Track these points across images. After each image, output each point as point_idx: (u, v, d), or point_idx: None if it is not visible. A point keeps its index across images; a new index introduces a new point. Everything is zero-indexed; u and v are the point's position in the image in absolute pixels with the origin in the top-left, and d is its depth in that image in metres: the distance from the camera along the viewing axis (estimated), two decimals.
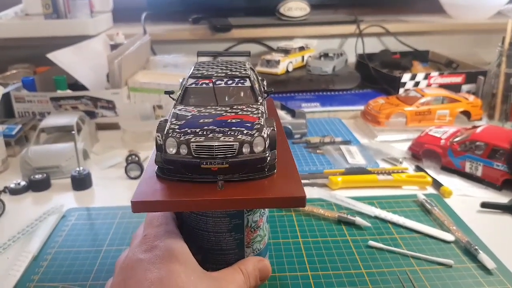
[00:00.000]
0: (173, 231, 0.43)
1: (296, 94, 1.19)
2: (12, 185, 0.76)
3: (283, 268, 0.55)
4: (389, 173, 0.76)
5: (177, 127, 0.40)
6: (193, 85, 0.46)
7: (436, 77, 1.12)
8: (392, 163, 0.83)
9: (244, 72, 0.46)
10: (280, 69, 1.20)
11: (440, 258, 0.56)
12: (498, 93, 0.99)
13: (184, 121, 0.41)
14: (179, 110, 0.44)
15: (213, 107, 0.43)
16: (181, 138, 0.39)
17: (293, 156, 0.43)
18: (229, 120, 0.40)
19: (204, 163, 0.38)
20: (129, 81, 1.04)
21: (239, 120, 0.40)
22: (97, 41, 1.22)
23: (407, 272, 0.54)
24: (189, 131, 0.39)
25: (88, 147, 0.88)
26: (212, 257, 0.44)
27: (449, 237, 0.60)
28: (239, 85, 0.44)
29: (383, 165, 0.83)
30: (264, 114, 0.42)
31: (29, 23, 1.28)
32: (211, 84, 0.45)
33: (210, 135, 0.38)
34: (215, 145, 0.37)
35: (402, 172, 0.77)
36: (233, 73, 0.46)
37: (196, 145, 0.38)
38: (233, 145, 0.37)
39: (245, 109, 0.42)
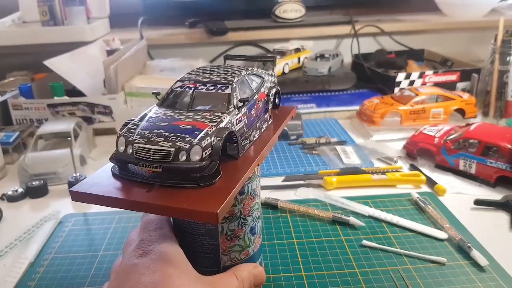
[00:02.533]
0: (168, 235, 0.44)
1: (292, 96, 1.19)
2: (10, 192, 0.76)
3: (277, 269, 0.56)
4: (383, 173, 0.76)
5: (134, 127, 0.41)
6: (178, 88, 0.46)
7: (431, 76, 1.13)
8: (386, 162, 0.83)
9: (230, 79, 0.45)
10: (276, 71, 1.20)
11: (434, 256, 0.56)
12: (492, 91, 0.99)
13: (144, 122, 0.42)
14: (150, 111, 0.45)
15: (183, 111, 0.43)
16: (130, 138, 0.40)
17: (248, 172, 0.41)
18: (181, 126, 0.40)
19: (141, 165, 0.38)
20: (125, 86, 1.04)
21: (190, 127, 0.39)
22: (94, 47, 1.23)
23: (400, 271, 0.54)
24: (139, 132, 0.40)
25: (85, 153, 0.89)
26: (193, 258, 0.45)
27: (442, 235, 0.61)
28: (219, 91, 0.44)
29: (378, 164, 0.83)
30: (221, 123, 0.40)
31: (27, 31, 1.29)
32: (193, 89, 0.46)
33: (152, 138, 0.39)
34: (152, 149, 0.38)
35: (397, 171, 0.77)
36: (218, 79, 0.46)
37: (138, 146, 0.39)
38: (169, 150, 0.37)
39: (208, 116, 0.41)
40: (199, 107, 0.44)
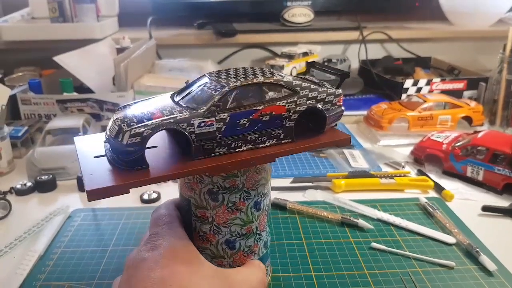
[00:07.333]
0: (177, 230, 0.44)
1: None
2: (18, 186, 0.77)
3: (287, 268, 0.56)
4: (391, 177, 0.76)
5: (127, 106, 0.45)
6: (196, 81, 0.47)
7: (438, 83, 1.13)
8: (394, 167, 0.84)
9: (230, 83, 0.44)
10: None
11: (442, 260, 0.57)
12: (500, 99, 1.00)
13: (137, 104, 0.45)
14: (156, 96, 0.47)
15: (173, 102, 0.45)
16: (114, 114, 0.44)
17: (170, 176, 0.41)
18: (145, 112, 0.42)
19: (105, 136, 0.43)
20: (134, 84, 1.05)
21: (149, 115, 0.41)
22: (103, 45, 1.24)
23: (410, 273, 0.55)
24: (124, 111, 0.44)
25: None
26: None
27: (450, 239, 0.61)
28: (212, 92, 0.43)
29: (386, 169, 0.83)
30: (170, 120, 0.40)
31: (36, 26, 1.30)
32: (202, 85, 0.46)
33: (118, 117, 0.42)
34: (111, 124, 0.42)
35: (405, 176, 0.78)
36: (221, 80, 0.45)
37: (111, 121, 0.43)
38: (114, 128, 0.41)
39: (176, 110, 0.42)
40: (191, 104, 0.43)
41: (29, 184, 0.77)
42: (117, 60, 1.00)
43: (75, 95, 1.02)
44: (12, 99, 1.01)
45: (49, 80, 1.12)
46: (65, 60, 1.06)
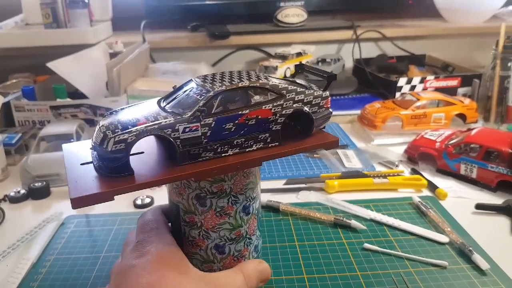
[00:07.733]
0: (165, 236, 0.44)
1: None
2: (12, 194, 0.77)
3: (279, 271, 0.56)
4: (385, 176, 0.76)
5: (114, 112, 0.45)
6: (183, 85, 0.47)
7: (432, 81, 1.13)
8: (388, 166, 0.84)
9: (215, 87, 0.43)
10: (278, 75, 1.21)
11: (435, 259, 0.56)
12: (493, 96, 0.99)
13: (123, 110, 0.45)
14: (147, 101, 0.47)
15: (159, 107, 0.45)
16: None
17: (155, 182, 0.41)
18: (130, 118, 0.42)
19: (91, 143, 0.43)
20: (128, 89, 1.05)
21: (134, 121, 0.41)
22: (96, 50, 1.24)
23: (402, 274, 0.54)
24: (109, 117, 0.44)
25: None
26: None
27: (443, 238, 0.61)
28: (197, 96, 0.43)
29: (380, 168, 0.83)
30: (154, 126, 0.41)
31: (29, 33, 1.30)
32: (188, 90, 0.46)
33: (103, 124, 0.42)
34: (96, 132, 0.42)
35: (398, 175, 0.78)
36: (207, 85, 0.44)
37: (97, 128, 0.43)
38: (99, 135, 0.41)
39: (161, 116, 0.42)
40: (176, 109, 0.43)
41: (22, 191, 0.77)
42: (110, 65, 1.00)
43: (68, 101, 1.02)
44: (6, 106, 1.01)
45: (42, 86, 1.12)
46: (58, 66, 1.06)
